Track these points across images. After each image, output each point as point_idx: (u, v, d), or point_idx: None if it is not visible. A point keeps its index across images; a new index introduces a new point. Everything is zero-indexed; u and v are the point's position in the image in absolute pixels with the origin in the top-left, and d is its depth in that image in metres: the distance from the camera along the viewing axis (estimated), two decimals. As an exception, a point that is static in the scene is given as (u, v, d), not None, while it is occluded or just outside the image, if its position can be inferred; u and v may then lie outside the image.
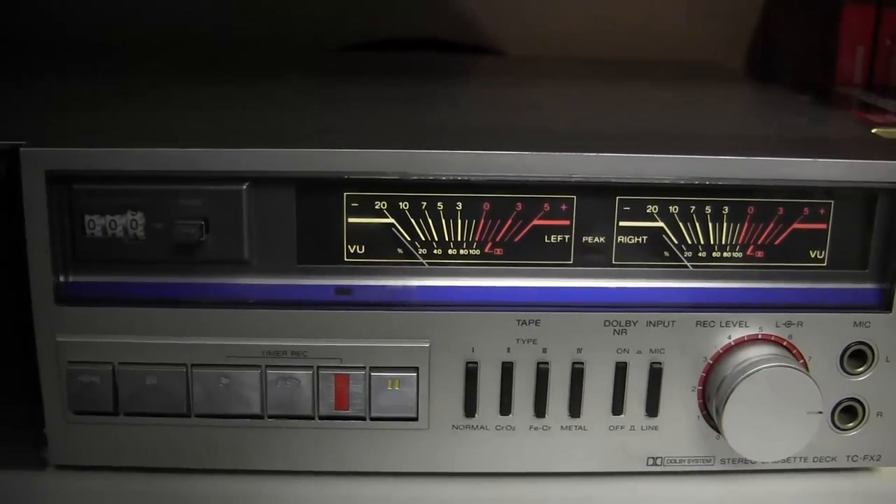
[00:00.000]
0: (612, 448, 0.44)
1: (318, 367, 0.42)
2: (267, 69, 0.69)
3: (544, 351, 0.43)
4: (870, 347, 0.43)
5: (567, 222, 0.42)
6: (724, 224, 0.43)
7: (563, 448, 0.44)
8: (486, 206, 0.42)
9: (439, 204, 0.42)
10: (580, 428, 0.44)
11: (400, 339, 0.42)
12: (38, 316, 0.41)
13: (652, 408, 0.44)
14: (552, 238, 0.43)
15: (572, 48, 0.86)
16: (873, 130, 0.53)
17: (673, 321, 0.43)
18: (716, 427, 0.43)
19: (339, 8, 0.85)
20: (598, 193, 0.42)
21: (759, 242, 0.43)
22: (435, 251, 0.42)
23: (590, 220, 0.42)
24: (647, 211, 0.42)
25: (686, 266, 0.43)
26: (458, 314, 0.42)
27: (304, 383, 0.42)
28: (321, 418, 0.43)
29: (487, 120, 0.52)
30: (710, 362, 0.43)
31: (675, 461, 0.45)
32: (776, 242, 0.43)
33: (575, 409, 0.44)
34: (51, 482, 0.44)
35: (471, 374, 0.43)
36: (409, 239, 0.42)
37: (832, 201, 0.43)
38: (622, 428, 0.44)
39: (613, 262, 0.43)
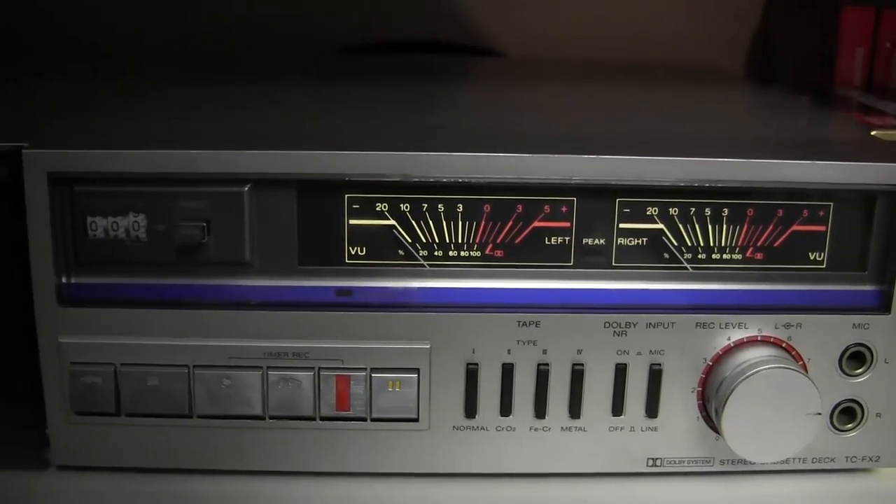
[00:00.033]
0: (612, 449, 0.44)
1: (320, 368, 0.42)
2: (267, 70, 0.69)
3: (544, 352, 0.43)
4: (869, 349, 0.43)
5: (567, 224, 0.43)
6: (724, 226, 0.43)
7: (563, 449, 0.44)
8: (487, 207, 0.42)
9: (440, 206, 0.42)
10: (580, 429, 0.44)
11: (401, 341, 0.42)
12: (40, 317, 0.42)
13: (652, 409, 0.44)
14: (552, 240, 0.43)
15: (572, 50, 0.86)
16: (872, 132, 0.53)
17: (673, 323, 0.43)
18: (715, 428, 0.43)
19: (340, 9, 0.85)
20: (599, 195, 0.42)
21: (759, 244, 0.43)
22: (436, 253, 0.43)
23: (590, 221, 0.43)
24: (647, 213, 0.42)
25: (686, 268, 0.43)
26: (458, 315, 0.42)
27: (306, 384, 0.42)
28: (322, 419, 0.43)
29: (488, 122, 0.52)
30: (710, 363, 0.43)
31: (675, 462, 0.45)
32: (775, 244, 0.43)
33: (575, 410, 0.44)
34: (53, 483, 0.44)
35: (471, 375, 0.43)
36: (409, 240, 0.42)
37: (831, 203, 0.43)
38: (622, 429, 0.44)
39: (613, 264, 0.43)
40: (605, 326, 0.43)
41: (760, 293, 0.43)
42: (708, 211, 0.42)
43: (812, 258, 0.43)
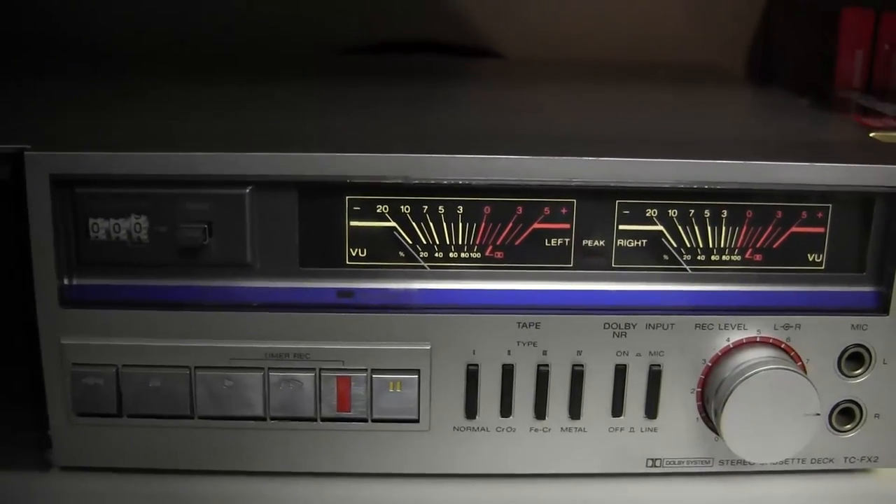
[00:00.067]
0: (611, 449, 0.44)
1: (321, 369, 0.42)
2: (267, 71, 0.69)
3: (544, 353, 0.43)
4: (867, 350, 0.43)
5: (567, 226, 0.43)
6: (723, 227, 0.43)
7: (563, 449, 0.44)
8: (487, 209, 0.42)
9: (440, 207, 0.42)
10: (580, 429, 0.44)
11: (401, 342, 0.43)
12: (42, 318, 0.42)
13: (651, 410, 0.44)
14: (552, 241, 0.43)
15: (572, 50, 0.86)
16: (871, 134, 0.53)
17: (672, 324, 0.43)
18: (714, 429, 0.44)
19: (340, 10, 0.86)
20: (598, 197, 0.42)
21: (758, 246, 0.43)
22: (436, 254, 0.43)
23: (590, 223, 0.43)
24: (647, 214, 0.43)
25: (685, 269, 0.43)
26: (459, 317, 0.43)
27: (307, 385, 0.42)
28: (323, 420, 0.43)
29: (488, 123, 0.52)
30: (709, 364, 0.43)
31: (674, 462, 0.45)
32: (774, 246, 0.43)
33: (575, 410, 0.44)
34: (55, 483, 0.44)
35: (471, 376, 0.43)
36: (410, 242, 0.43)
37: (830, 205, 0.43)
38: (622, 429, 0.44)
39: (613, 266, 0.43)
40: (604, 327, 0.43)
41: (759, 294, 0.43)
42: (707, 212, 0.43)
43: (811, 259, 0.43)
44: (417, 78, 0.68)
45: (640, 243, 0.43)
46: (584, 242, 0.43)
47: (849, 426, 0.45)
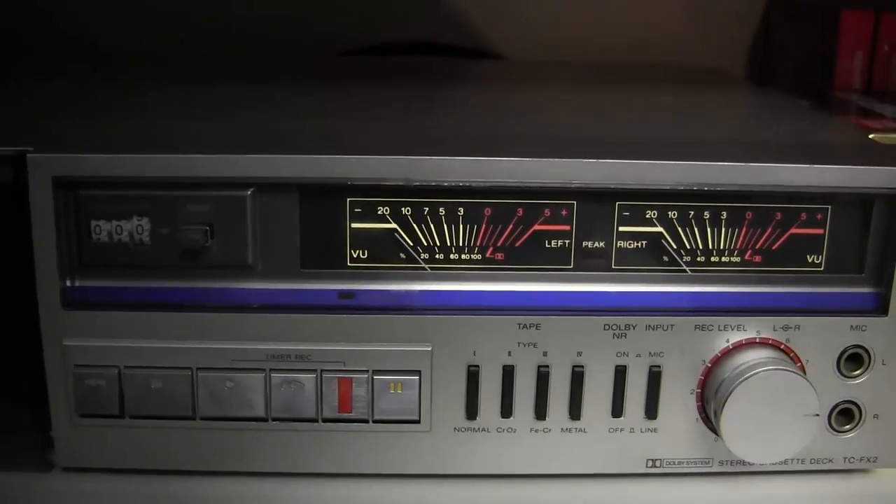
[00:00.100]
0: (611, 450, 0.45)
1: (322, 370, 0.43)
2: (267, 73, 0.69)
3: (545, 354, 0.43)
4: (866, 351, 0.44)
5: (567, 227, 0.43)
6: (723, 229, 0.43)
7: (563, 450, 0.45)
8: (488, 211, 0.42)
9: (441, 209, 0.42)
10: (580, 430, 0.44)
11: (402, 343, 0.43)
12: (44, 320, 0.42)
13: (651, 410, 0.44)
14: (553, 243, 0.43)
15: (572, 52, 0.86)
16: (870, 136, 0.53)
17: (672, 325, 0.43)
18: (714, 429, 0.44)
19: (340, 11, 0.86)
20: (598, 199, 0.42)
21: (757, 247, 0.43)
22: (437, 256, 0.43)
23: (590, 225, 0.43)
24: (647, 216, 0.43)
25: (685, 270, 0.43)
26: (459, 318, 0.43)
27: (308, 386, 0.43)
28: (324, 421, 0.43)
29: (488, 125, 0.52)
30: (709, 365, 0.43)
31: (674, 463, 0.45)
32: (774, 247, 0.43)
33: (575, 411, 0.44)
34: (57, 484, 0.44)
35: (472, 377, 0.43)
36: (411, 244, 0.43)
37: (829, 206, 0.43)
38: (622, 430, 0.44)
39: (613, 267, 0.43)
40: (604, 328, 0.43)
41: (759, 295, 0.44)
42: (707, 214, 0.43)
43: (810, 261, 0.44)
44: (418, 79, 0.68)
45: (639, 245, 0.43)
46: (584, 244, 0.43)
47: (848, 427, 0.45)
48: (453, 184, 0.42)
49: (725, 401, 0.42)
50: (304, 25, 0.86)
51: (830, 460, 0.45)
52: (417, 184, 0.42)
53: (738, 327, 0.43)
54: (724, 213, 0.43)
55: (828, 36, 0.75)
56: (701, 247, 0.43)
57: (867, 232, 0.43)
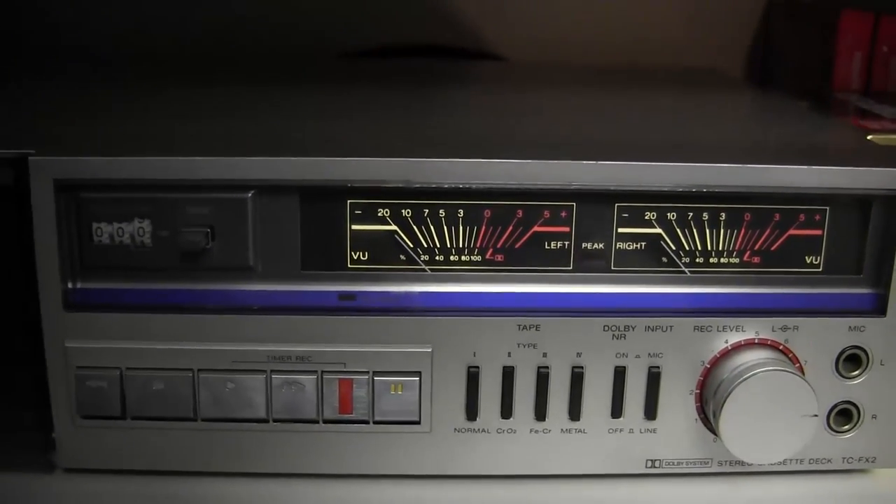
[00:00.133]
0: (611, 450, 0.45)
1: (323, 371, 0.43)
2: (268, 75, 0.69)
3: (544, 355, 0.43)
4: (864, 351, 0.44)
5: (567, 229, 0.43)
6: (721, 230, 0.43)
7: (563, 450, 0.45)
8: (488, 213, 0.43)
9: (441, 211, 0.42)
10: (580, 431, 0.44)
11: (402, 345, 0.43)
12: (46, 322, 0.42)
13: (650, 411, 0.44)
14: (552, 244, 0.43)
15: (572, 54, 0.87)
16: (869, 137, 0.53)
17: (671, 326, 0.43)
18: (713, 430, 0.44)
19: (339, 14, 0.86)
20: (598, 200, 0.43)
21: (756, 248, 0.43)
22: (437, 257, 0.43)
23: (589, 226, 0.43)
24: (646, 217, 0.43)
25: (684, 272, 0.44)
26: (459, 319, 0.43)
27: (309, 388, 0.43)
28: (325, 422, 0.43)
29: (488, 126, 0.52)
30: (708, 366, 0.44)
31: (673, 463, 0.45)
32: (772, 248, 0.44)
33: (575, 412, 0.44)
34: (59, 485, 0.44)
35: (472, 378, 0.43)
36: (411, 245, 0.43)
37: (827, 208, 0.43)
38: (621, 430, 0.44)
39: (612, 268, 0.43)
40: (604, 330, 0.43)
41: (757, 296, 0.44)
42: (705, 215, 0.43)
43: (808, 262, 0.44)
44: (418, 81, 0.68)
45: (639, 246, 0.43)
46: (583, 245, 0.43)
47: (846, 427, 0.45)
48: (453, 186, 0.42)
49: (724, 401, 0.42)
50: (304, 27, 0.86)
51: (829, 460, 0.45)
52: (418, 186, 0.42)
53: (737, 328, 0.43)
54: (723, 215, 0.43)
55: (827, 37, 0.75)
56: (700, 248, 0.43)
57: (865, 233, 0.43)
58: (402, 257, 0.43)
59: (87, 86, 0.63)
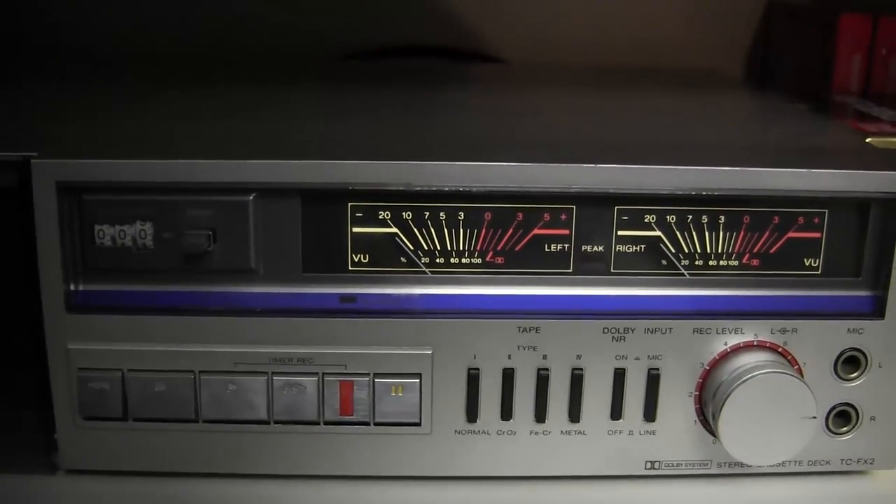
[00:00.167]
0: (610, 452, 0.45)
1: (324, 373, 0.43)
2: (268, 77, 0.69)
3: (544, 357, 0.43)
4: (863, 353, 0.44)
5: (567, 232, 0.43)
6: (721, 233, 0.43)
7: (562, 452, 0.45)
8: (488, 215, 0.43)
9: (442, 214, 0.43)
10: (580, 432, 0.45)
11: (403, 347, 0.43)
12: (48, 324, 0.42)
13: (650, 413, 0.44)
14: (552, 247, 0.43)
15: (572, 55, 0.87)
16: (868, 139, 0.53)
17: (670, 328, 0.43)
18: (712, 431, 0.44)
19: (340, 15, 0.86)
20: (597, 203, 0.43)
21: (755, 251, 0.44)
22: (437, 260, 0.43)
23: (589, 229, 0.43)
24: (645, 220, 0.43)
25: (683, 274, 0.44)
26: (459, 322, 0.43)
27: (310, 389, 0.43)
28: (326, 423, 0.44)
29: (488, 128, 0.52)
30: (707, 368, 0.44)
31: (673, 465, 0.45)
32: (771, 251, 0.44)
33: (574, 414, 0.44)
34: (61, 486, 0.45)
35: (472, 380, 0.44)
36: (412, 248, 0.43)
37: (826, 210, 0.43)
38: (621, 432, 0.45)
39: (612, 271, 0.44)
40: (603, 332, 0.43)
41: (757, 299, 0.44)
42: (705, 218, 0.43)
43: (807, 264, 0.44)
44: (418, 83, 0.68)
45: (638, 248, 0.43)
46: (583, 248, 0.43)
47: (845, 429, 0.45)
48: (454, 189, 0.42)
49: (723, 403, 0.42)
50: (305, 27, 0.86)
51: (828, 462, 0.45)
52: (418, 189, 0.42)
53: (736, 330, 0.43)
54: (722, 218, 0.43)
55: (826, 39, 0.75)
56: (699, 251, 0.43)
57: (864, 235, 0.43)
58: (403, 259, 0.43)
59: (87, 86, 0.63)
